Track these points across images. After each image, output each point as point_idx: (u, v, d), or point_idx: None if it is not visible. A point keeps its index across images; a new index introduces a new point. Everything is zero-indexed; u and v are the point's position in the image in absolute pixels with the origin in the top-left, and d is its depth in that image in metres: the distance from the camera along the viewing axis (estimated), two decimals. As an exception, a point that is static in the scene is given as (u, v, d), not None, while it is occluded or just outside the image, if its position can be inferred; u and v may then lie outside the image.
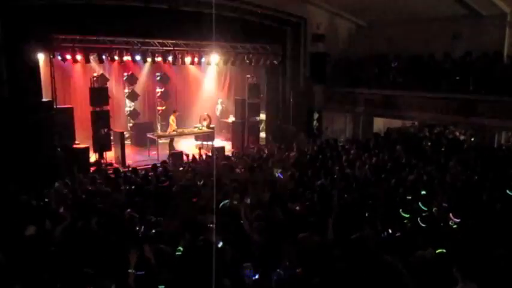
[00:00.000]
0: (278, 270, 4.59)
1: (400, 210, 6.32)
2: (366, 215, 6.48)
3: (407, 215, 6.18)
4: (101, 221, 6.03)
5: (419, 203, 6.58)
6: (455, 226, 5.86)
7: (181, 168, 10.63)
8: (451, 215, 6.01)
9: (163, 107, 16.63)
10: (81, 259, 4.91)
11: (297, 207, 6.77)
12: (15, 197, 7.35)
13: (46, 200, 7.56)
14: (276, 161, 10.63)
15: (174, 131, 14.77)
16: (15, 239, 5.54)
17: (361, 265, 4.58)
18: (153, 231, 5.84)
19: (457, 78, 12.63)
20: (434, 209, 6.36)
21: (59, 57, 11.80)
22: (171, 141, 14.81)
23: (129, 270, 4.62)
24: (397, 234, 5.66)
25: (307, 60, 16.10)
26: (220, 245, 4.99)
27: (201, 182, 8.65)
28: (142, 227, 6.14)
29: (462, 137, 15.06)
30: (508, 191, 7.36)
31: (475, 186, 7.64)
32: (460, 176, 8.24)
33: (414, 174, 8.53)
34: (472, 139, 14.45)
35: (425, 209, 6.47)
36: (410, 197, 6.94)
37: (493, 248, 4.88)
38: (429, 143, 13.08)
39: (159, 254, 4.97)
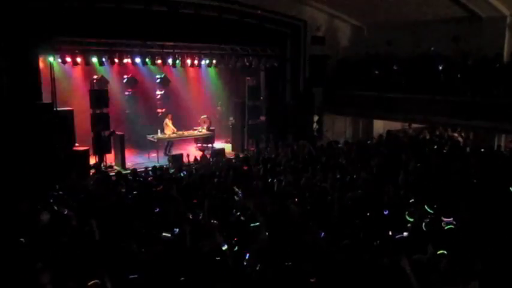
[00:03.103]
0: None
1: (406, 213, 6.29)
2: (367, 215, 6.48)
3: (411, 219, 6.15)
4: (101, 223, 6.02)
5: (426, 206, 6.55)
6: (449, 226, 5.85)
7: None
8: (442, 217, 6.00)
9: (163, 110, 16.62)
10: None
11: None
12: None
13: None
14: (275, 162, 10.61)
15: (173, 133, 14.77)
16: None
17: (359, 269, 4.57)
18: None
19: (457, 80, 12.68)
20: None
21: (59, 60, 11.80)
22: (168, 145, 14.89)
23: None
24: (398, 236, 5.67)
25: (307, 63, 16.13)
26: (224, 247, 4.97)
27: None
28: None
29: (460, 139, 15.06)
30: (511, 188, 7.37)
31: (475, 188, 7.63)
32: (459, 178, 8.22)
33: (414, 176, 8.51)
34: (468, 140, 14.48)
35: (432, 211, 6.44)
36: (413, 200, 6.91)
37: (491, 247, 4.88)
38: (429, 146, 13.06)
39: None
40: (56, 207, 6.76)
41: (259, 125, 16.20)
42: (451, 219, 5.82)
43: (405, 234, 5.66)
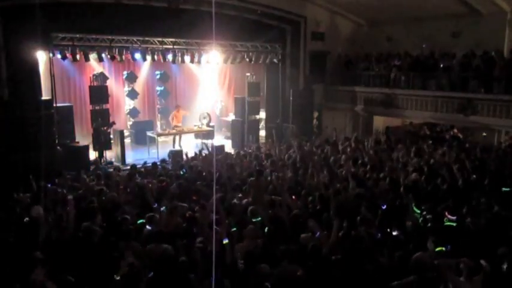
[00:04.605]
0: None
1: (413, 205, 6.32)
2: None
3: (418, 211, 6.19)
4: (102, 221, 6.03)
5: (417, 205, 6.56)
6: (449, 223, 5.86)
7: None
8: (446, 213, 6.01)
9: (163, 105, 16.62)
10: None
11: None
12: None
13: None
14: (275, 160, 10.60)
15: (176, 126, 14.73)
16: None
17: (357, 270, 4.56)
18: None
19: (457, 76, 12.66)
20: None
21: (59, 56, 11.78)
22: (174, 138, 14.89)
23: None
24: (396, 234, 5.66)
25: (307, 59, 16.11)
26: (225, 241, 4.94)
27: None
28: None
29: (460, 135, 15.06)
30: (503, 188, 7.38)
31: (474, 185, 7.64)
32: (459, 174, 8.22)
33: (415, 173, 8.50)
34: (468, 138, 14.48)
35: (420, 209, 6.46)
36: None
37: (495, 246, 4.87)
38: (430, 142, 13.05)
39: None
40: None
41: (259, 122, 16.22)
42: (455, 217, 5.83)
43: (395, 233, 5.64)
